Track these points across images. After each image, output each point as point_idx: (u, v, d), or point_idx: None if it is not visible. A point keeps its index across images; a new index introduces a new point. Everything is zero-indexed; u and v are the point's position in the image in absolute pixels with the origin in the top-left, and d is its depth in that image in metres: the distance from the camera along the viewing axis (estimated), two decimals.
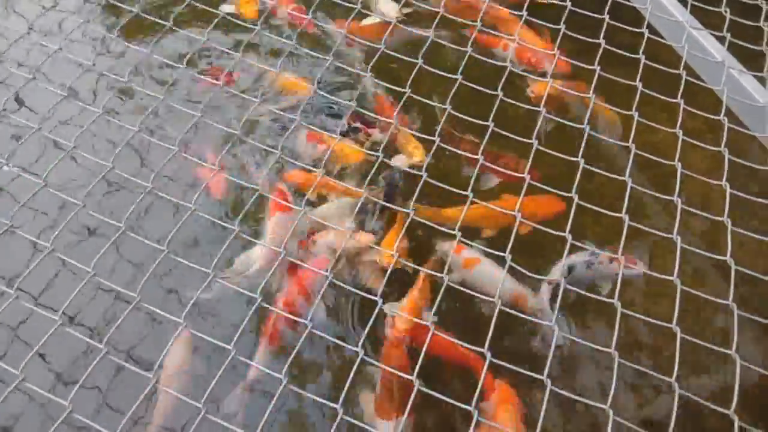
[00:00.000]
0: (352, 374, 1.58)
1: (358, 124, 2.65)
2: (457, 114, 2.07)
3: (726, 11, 2.38)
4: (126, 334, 2.10)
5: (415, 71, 2.14)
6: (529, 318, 1.76)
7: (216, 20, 2.33)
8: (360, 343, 1.63)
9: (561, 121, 2.21)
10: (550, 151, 1.98)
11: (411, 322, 2.04)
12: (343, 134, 2.62)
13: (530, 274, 2.01)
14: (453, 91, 2.11)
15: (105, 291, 2.17)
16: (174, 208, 2.30)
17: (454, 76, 2.13)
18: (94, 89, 2.77)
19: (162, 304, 2.15)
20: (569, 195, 1.88)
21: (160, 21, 2.32)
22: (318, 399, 1.61)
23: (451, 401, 1.52)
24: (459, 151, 2.16)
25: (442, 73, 2.13)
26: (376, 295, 1.71)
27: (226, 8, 3.01)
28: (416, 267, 2.05)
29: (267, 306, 1.79)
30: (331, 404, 1.52)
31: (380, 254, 2.23)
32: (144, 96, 2.66)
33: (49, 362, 2.09)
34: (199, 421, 1.51)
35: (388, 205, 2.34)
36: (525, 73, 2.48)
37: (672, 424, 1.52)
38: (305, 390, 1.75)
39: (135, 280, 1.81)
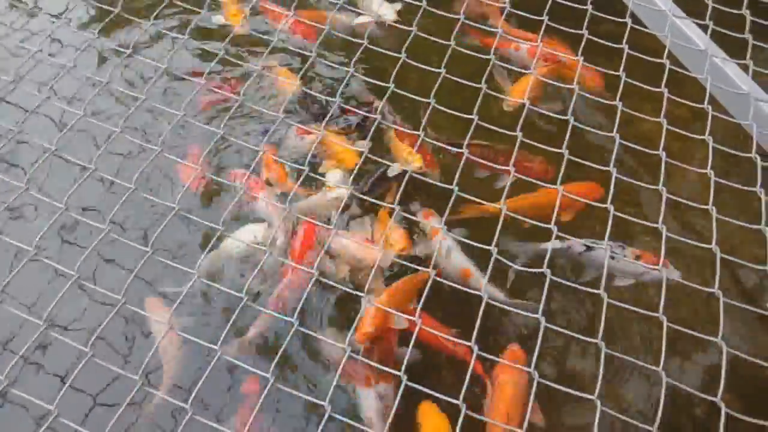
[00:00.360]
0: (338, 371, 1.58)
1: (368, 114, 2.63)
2: (443, 108, 2.06)
3: None
4: (111, 336, 2.09)
5: (398, 66, 2.13)
6: (516, 310, 1.76)
7: (191, 27, 2.32)
8: (347, 340, 1.62)
9: (545, 113, 2.21)
10: (536, 143, 1.98)
11: (377, 321, 2.02)
12: (357, 126, 2.62)
13: (518, 267, 2.03)
14: (437, 85, 2.10)
15: (89, 294, 2.16)
16: (156, 207, 2.28)
17: (437, 70, 2.12)
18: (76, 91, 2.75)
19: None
20: (555, 187, 1.90)
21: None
22: (307, 397, 1.61)
23: (439, 395, 1.52)
24: (442, 144, 2.17)
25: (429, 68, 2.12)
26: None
27: (216, 19, 2.99)
28: (404, 263, 2.05)
29: (253, 305, 1.78)
30: (319, 402, 1.52)
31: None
32: (125, 96, 2.65)
33: (35, 367, 2.08)
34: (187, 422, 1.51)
35: (373, 200, 2.33)
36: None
37: (660, 412, 1.53)
38: (293, 386, 1.74)
39: (119, 282, 1.79)
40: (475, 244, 1.84)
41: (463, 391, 1.50)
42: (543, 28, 2.25)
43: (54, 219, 1.84)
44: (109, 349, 2.09)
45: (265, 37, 2.48)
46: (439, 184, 1.94)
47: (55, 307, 1.68)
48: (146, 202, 2.10)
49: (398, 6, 2.97)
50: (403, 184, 1.92)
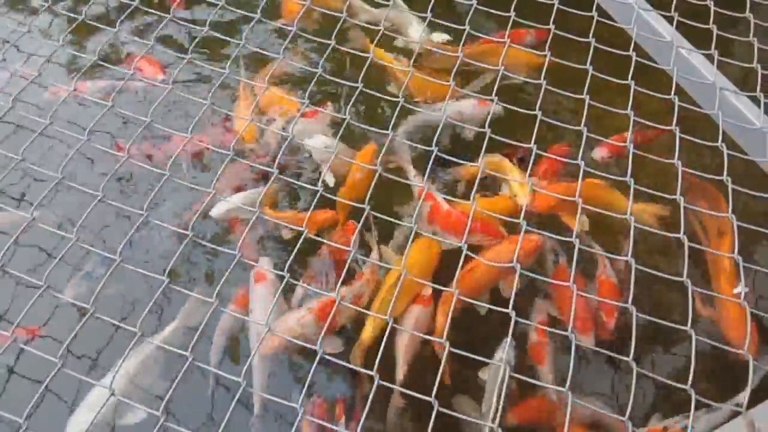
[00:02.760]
0: (310, 374, 1.58)
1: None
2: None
3: None
4: (82, 346, 2.07)
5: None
6: (488, 305, 1.77)
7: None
8: (319, 342, 1.62)
9: (510, 107, 2.21)
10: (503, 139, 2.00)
11: None
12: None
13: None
14: None
15: (60, 304, 2.14)
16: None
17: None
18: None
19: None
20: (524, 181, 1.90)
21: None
22: (280, 401, 1.61)
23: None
24: None
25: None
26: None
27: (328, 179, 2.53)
28: None
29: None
30: (292, 404, 1.52)
31: None
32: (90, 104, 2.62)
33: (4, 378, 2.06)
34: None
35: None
36: None
37: (630, 402, 1.54)
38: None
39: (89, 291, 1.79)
40: None
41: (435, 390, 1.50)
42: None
43: (20, 230, 1.82)
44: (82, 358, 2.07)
45: None
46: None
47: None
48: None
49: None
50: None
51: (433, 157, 1.96)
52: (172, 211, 2.46)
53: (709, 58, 2.24)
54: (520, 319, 1.64)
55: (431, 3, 2.33)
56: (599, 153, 2.66)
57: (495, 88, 2.11)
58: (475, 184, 1.92)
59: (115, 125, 2.74)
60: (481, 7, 2.32)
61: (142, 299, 2.20)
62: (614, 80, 2.14)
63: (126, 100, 2.74)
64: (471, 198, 1.90)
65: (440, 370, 1.52)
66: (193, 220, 1.80)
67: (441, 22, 2.36)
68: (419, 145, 2.20)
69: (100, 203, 1.82)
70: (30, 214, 1.76)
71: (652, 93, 2.12)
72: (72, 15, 2.33)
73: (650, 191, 1.93)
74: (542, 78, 2.13)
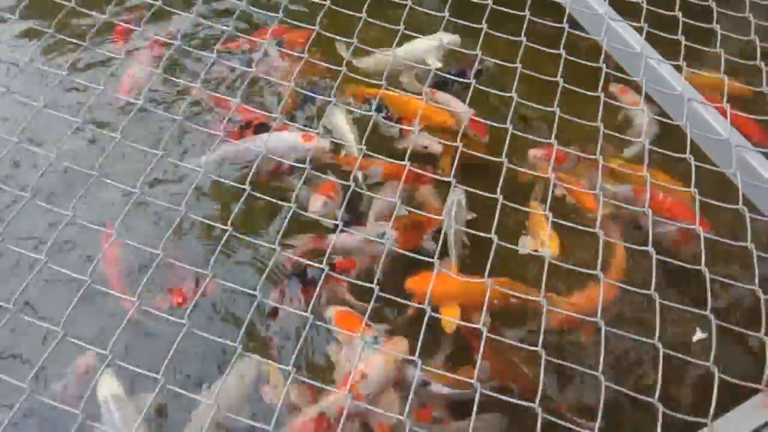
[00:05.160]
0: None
1: None
2: None
3: None
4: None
5: None
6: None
7: None
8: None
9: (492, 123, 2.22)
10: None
11: None
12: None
13: None
14: None
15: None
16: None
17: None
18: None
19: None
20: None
21: None
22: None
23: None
24: None
25: None
26: None
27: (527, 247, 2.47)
28: None
29: None
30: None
31: None
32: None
33: None
34: None
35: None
36: None
37: (599, 415, 1.56)
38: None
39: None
40: None
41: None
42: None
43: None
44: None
45: None
46: None
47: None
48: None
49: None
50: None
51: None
52: None
53: (678, 68, 2.28)
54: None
55: None
56: (534, 153, 2.68)
57: None
58: None
59: None
60: (452, 19, 2.33)
61: None
62: (584, 91, 2.17)
63: None
64: None
65: None
66: None
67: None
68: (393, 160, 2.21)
69: None
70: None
71: (621, 105, 2.15)
72: None
73: (618, 203, 1.97)
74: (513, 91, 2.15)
